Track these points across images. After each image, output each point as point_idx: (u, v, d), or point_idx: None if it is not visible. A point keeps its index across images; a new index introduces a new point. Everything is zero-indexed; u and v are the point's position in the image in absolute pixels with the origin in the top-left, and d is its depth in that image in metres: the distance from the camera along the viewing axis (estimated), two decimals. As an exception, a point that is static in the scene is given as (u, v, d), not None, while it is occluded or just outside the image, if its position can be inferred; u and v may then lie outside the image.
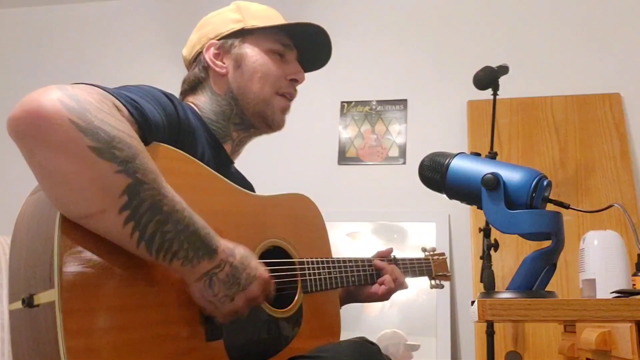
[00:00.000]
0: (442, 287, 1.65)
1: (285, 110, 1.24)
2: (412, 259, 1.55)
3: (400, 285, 1.43)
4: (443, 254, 1.67)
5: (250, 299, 0.93)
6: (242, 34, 1.21)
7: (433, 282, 1.63)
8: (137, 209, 0.78)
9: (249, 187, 1.29)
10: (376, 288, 1.39)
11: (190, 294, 0.89)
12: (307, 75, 1.28)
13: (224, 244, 0.90)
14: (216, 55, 1.21)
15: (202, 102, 1.21)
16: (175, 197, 0.83)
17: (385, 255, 1.47)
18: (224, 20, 1.23)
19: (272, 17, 1.24)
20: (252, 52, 1.20)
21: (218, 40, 1.21)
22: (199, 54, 1.23)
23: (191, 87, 1.23)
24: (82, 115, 0.75)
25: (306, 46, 1.27)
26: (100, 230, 0.79)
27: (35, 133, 0.73)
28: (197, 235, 0.85)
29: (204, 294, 0.88)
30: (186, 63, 1.28)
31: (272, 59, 1.21)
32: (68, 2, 3.08)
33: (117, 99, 0.85)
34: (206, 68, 1.21)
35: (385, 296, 1.40)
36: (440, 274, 1.63)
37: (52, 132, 0.73)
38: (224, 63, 1.20)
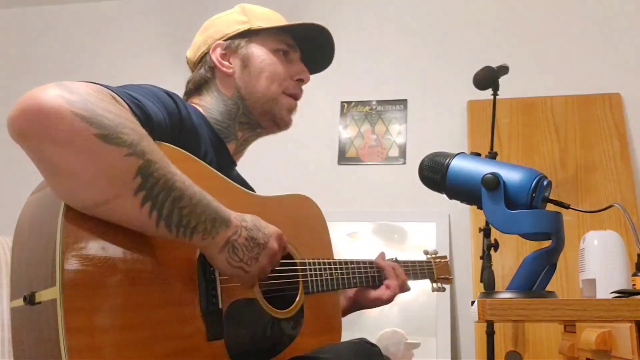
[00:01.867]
0: (443, 290, 1.65)
1: (292, 109, 1.25)
2: (413, 262, 1.55)
3: (403, 288, 1.43)
4: (445, 257, 1.67)
5: (272, 255, 0.97)
6: (248, 35, 1.22)
7: (435, 285, 1.63)
8: (152, 188, 0.79)
9: (250, 190, 1.30)
10: (381, 292, 1.39)
11: (217, 268, 0.92)
12: (307, 74, 1.29)
13: (234, 212, 0.93)
14: (223, 56, 1.22)
15: (208, 102, 1.21)
16: (183, 175, 0.84)
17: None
18: (230, 21, 1.24)
19: (275, 20, 1.25)
20: (258, 52, 1.21)
21: (224, 40, 1.22)
22: (205, 54, 1.23)
23: (196, 87, 1.24)
24: (84, 106, 0.75)
25: (309, 47, 1.28)
26: (116, 216, 0.79)
27: (38, 131, 0.73)
28: (210, 207, 0.87)
29: (230, 262, 0.90)
30: (190, 64, 1.29)
31: (279, 59, 1.23)
32: (68, 2, 3.08)
33: (118, 95, 0.85)
34: (212, 68, 1.22)
35: (389, 300, 1.40)
36: (442, 277, 1.63)
37: (56, 127, 0.73)
38: (231, 63, 1.21)
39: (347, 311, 1.41)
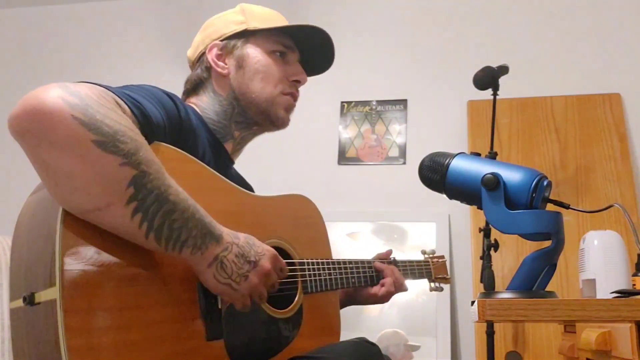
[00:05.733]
0: (441, 289, 1.65)
1: (289, 108, 1.25)
2: (411, 262, 1.55)
3: (400, 287, 1.43)
4: (443, 257, 1.68)
5: (264, 275, 0.95)
6: (245, 35, 1.22)
7: (432, 284, 1.64)
8: (144, 200, 0.79)
9: (249, 188, 1.29)
10: (376, 289, 1.39)
11: (205, 284, 0.90)
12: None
13: (226, 229, 0.92)
14: (219, 56, 1.22)
15: (204, 102, 1.22)
16: (179, 187, 0.84)
17: (384, 258, 1.48)
18: (227, 21, 1.24)
19: (275, 20, 1.25)
20: (254, 53, 1.21)
21: (221, 41, 1.22)
22: (202, 54, 1.24)
23: (193, 87, 1.24)
24: (85, 111, 0.75)
25: (309, 49, 1.27)
26: (107, 223, 0.80)
27: (37, 131, 0.73)
28: (202, 222, 0.87)
29: (218, 277, 0.89)
30: (190, 64, 1.29)
31: (275, 60, 1.22)
32: (68, 2, 3.08)
33: (119, 97, 0.85)
34: (209, 68, 1.22)
35: (384, 298, 1.41)
36: (439, 276, 1.63)
37: (55, 129, 0.73)
38: (226, 64, 1.21)
39: (341, 306, 1.41)
